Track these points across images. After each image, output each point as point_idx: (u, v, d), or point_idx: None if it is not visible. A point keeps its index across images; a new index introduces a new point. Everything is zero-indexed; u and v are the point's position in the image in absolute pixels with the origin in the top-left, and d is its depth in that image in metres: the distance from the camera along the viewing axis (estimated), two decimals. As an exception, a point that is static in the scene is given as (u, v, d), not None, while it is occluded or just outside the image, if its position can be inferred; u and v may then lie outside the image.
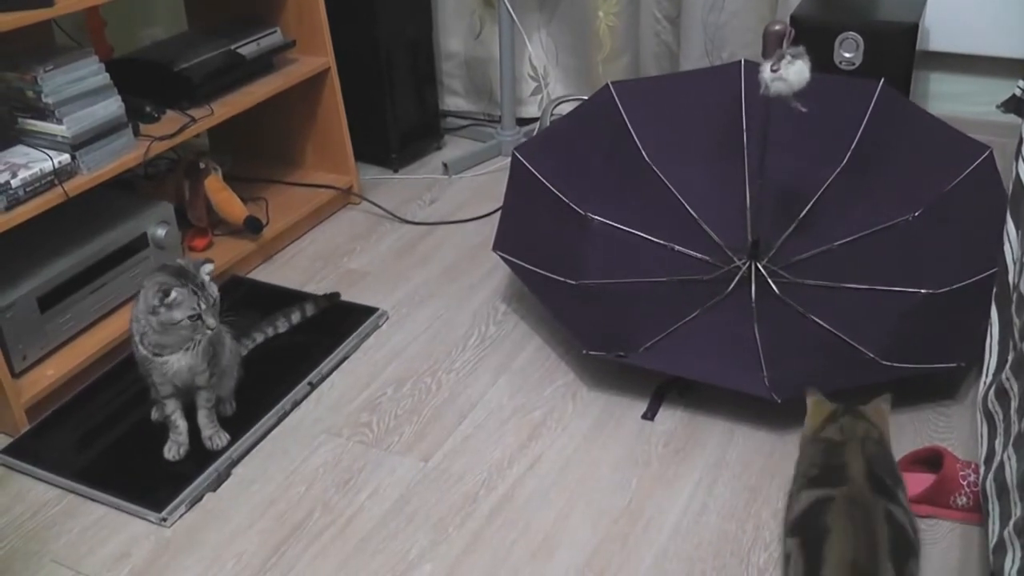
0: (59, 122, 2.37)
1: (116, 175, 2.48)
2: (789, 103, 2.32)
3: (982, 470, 1.72)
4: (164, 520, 2.07)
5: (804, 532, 1.73)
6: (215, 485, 2.16)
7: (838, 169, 2.82)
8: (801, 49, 2.33)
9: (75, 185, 2.38)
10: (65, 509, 2.14)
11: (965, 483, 2.00)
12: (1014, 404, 1.59)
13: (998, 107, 2.76)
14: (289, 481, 2.18)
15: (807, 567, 1.66)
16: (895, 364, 2.30)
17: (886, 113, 2.81)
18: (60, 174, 2.35)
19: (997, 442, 1.68)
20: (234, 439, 2.24)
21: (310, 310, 2.64)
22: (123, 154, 2.51)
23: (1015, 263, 2.01)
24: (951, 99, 3.33)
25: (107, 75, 2.47)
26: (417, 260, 2.96)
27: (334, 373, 2.50)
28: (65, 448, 2.28)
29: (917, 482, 2.05)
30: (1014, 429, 1.53)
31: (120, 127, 2.50)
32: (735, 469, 2.16)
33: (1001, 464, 1.51)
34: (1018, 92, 2.70)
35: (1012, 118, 2.78)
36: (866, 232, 2.72)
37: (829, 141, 2.82)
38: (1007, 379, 1.66)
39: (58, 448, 2.28)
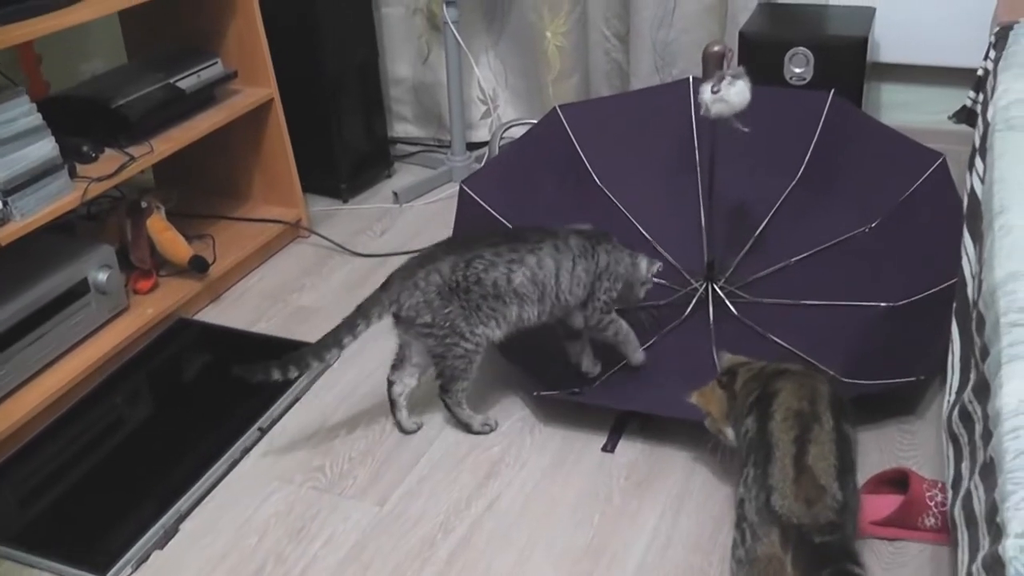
0: (-12, 168, 2.29)
1: (52, 220, 2.41)
2: (731, 124, 2.28)
3: (949, 494, 1.68)
4: (109, 583, 1.99)
5: (758, 405, 1.87)
6: (162, 542, 2.08)
7: (792, 183, 2.79)
8: (741, 69, 2.30)
9: (8, 233, 2.30)
10: (2, 576, 2.06)
11: (932, 504, 1.98)
12: (978, 429, 1.54)
13: (949, 118, 2.74)
14: (240, 533, 2.10)
15: (759, 424, 1.82)
16: (857, 381, 2.26)
17: (838, 124, 2.79)
18: (-9, 223, 2.28)
19: (963, 466, 1.64)
20: (181, 492, 2.17)
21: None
22: (59, 198, 2.43)
23: (973, 278, 1.98)
24: (902, 109, 3.31)
25: (39, 115, 2.40)
26: (369, 294, 2.89)
27: (285, 416, 2.43)
28: (1, 511, 2.20)
29: (884, 504, 2.01)
30: (979, 456, 1.48)
31: (55, 169, 2.43)
32: (698, 499, 2.11)
33: (969, 493, 1.47)
34: (969, 102, 2.68)
35: (963, 126, 2.76)
36: (823, 247, 2.70)
37: (782, 155, 2.79)
38: (970, 401, 1.61)
39: (-6, 511, 2.20)
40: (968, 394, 1.63)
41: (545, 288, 2.25)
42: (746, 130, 2.27)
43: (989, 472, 1.36)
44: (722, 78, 2.24)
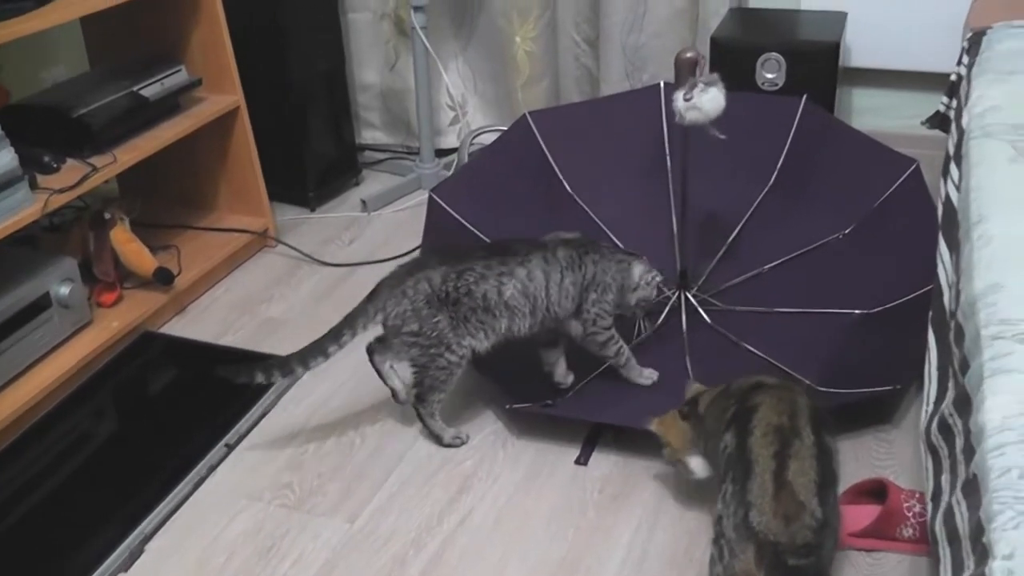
0: (-55, 180, 2.24)
1: (13, 232, 2.35)
2: (707, 132, 2.25)
3: (929, 507, 1.65)
4: (71, 607, 1.95)
5: (737, 420, 1.83)
6: (127, 564, 2.02)
7: (765, 189, 2.77)
8: (715, 76, 2.27)
9: (-35, 247, 2.25)
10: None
11: (911, 514, 1.96)
12: (959, 443, 1.52)
13: (923, 123, 2.72)
14: (208, 553, 2.05)
15: (738, 440, 1.78)
16: (833, 390, 2.24)
17: (810, 130, 2.77)
18: (-52, 237, 2.22)
19: (943, 479, 1.61)
20: (146, 511, 2.12)
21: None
22: (19, 210, 2.38)
23: (950, 287, 1.96)
24: (874, 113, 3.30)
25: (-3, 125, 2.35)
26: (338, 304, 2.81)
27: (252, 432, 2.38)
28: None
29: (862, 514, 2.00)
30: (961, 471, 1.45)
31: (14, 181, 2.37)
32: (674, 512, 2.09)
33: (951, 508, 1.44)
34: (942, 108, 2.66)
35: (936, 132, 2.75)
36: (796, 253, 2.67)
37: (754, 161, 2.77)
38: (950, 415, 1.59)
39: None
40: (948, 407, 1.61)
41: (536, 301, 2.22)
42: (723, 137, 2.25)
43: (972, 489, 1.34)
44: (695, 85, 2.22)
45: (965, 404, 1.50)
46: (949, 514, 1.45)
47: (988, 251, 1.70)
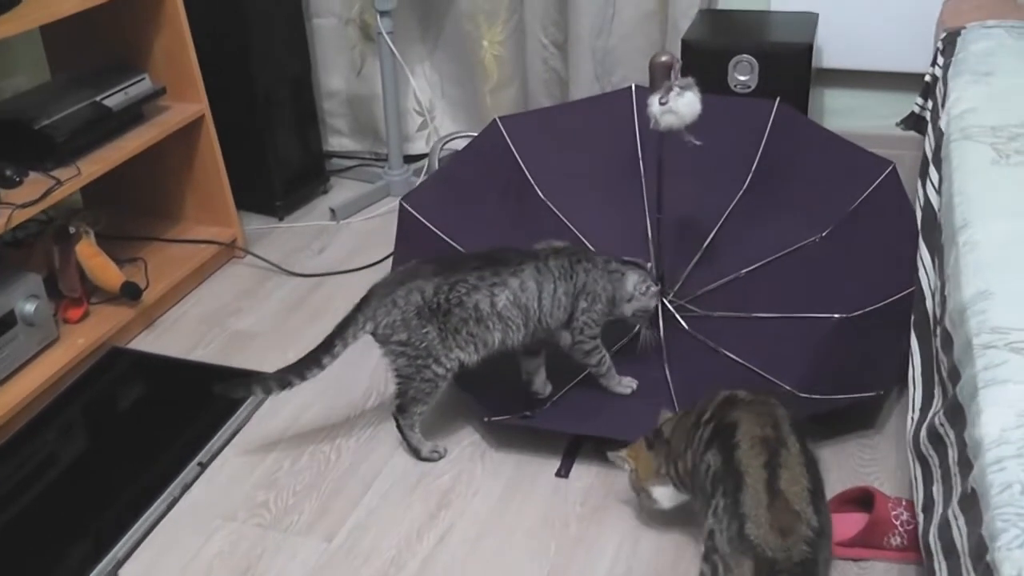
0: (-98, 198, 2.17)
1: (-27, 249, 2.30)
2: (682, 137, 2.23)
3: (921, 518, 1.64)
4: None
5: (718, 437, 1.79)
6: (99, 590, 1.98)
7: (740, 192, 2.75)
8: (690, 80, 2.24)
9: (-74, 266, 2.19)
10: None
11: (898, 523, 1.95)
12: (952, 454, 1.50)
13: (898, 124, 2.72)
14: (182, 576, 2.01)
15: (723, 456, 1.74)
16: (814, 396, 2.22)
17: (784, 132, 2.74)
18: (-93, 256, 2.16)
19: (935, 489, 1.59)
20: (119, 534, 2.06)
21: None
22: (-20, 227, 2.32)
23: (933, 292, 1.94)
24: (848, 114, 3.28)
25: (-45, 140, 2.29)
26: (309, 316, 2.80)
27: (226, 449, 2.32)
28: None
29: (849, 523, 1.98)
30: (956, 483, 1.43)
31: (-25, 197, 2.32)
32: (658, 525, 2.05)
33: (947, 521, 1.42)
34: (916, 109, 2.65)
35: (910, 132, 2.74)
36: (773, 257, 2.65)
37: (728, 164, 2.74)
38: (941, 424, 1.57)
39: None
40: (939, 416, 1.58)
41: (528, 311, 2.19)
42: (698, 143, 2.22)
43: (971, 504, 1.31)
44: (670, 89, 2.19)
45: (958, 415, 1.48)
46: (945, 527, 1.43)
47: (974, 257, 1.69)
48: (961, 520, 1.35)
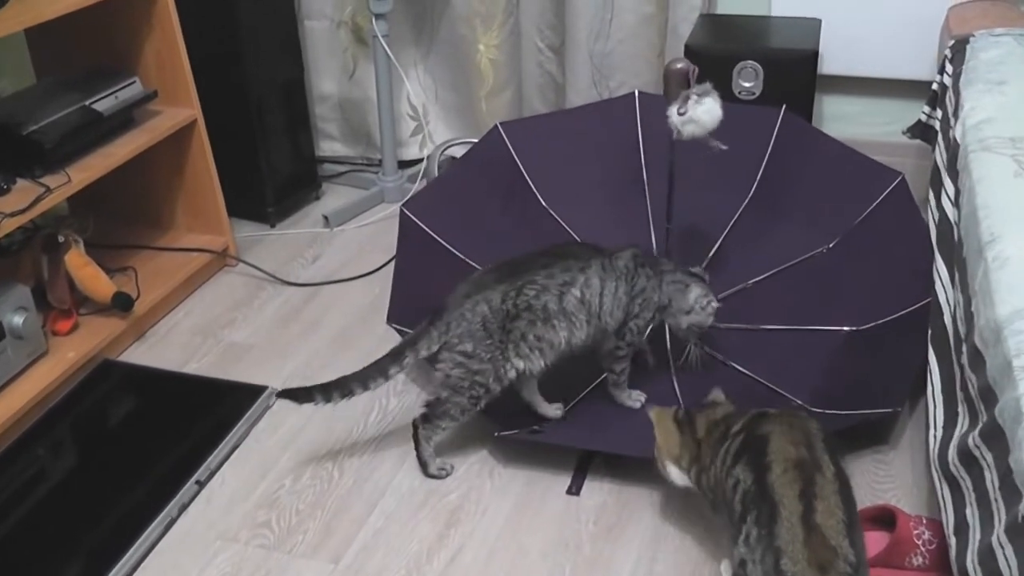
0: None
1: (-40, 260, 2.22)
2: (707, 144, 2.18)
3: (953, 541, 1.59)
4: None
5: (748, 452, 1.75)
6: (97, 617, 1.91)
7: (745, 202, 2.71)
8: (707, 85, 2.20)
9: (-88, 278, 2.11)
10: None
11: (920, 542, 1.90)
12: (991, 478, 1.45)
13: (904, 132, 2.68)
14: (182, 601, 1.94)
15: (755, 476, 1.70)
16: (827, 411, 2.17)
17: (790, 141, 2.71)
18: None
19: (968, 513, 1.55)
20: (114, 558, 1.99)
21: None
22: (-32, 236, 2.24)
23: (953, 308, 1.90)
24: (851, 121, 3.24)
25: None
26: (305, 327, 2.74)
27: (224, 466, 2.26)
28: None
29: (870, 543, 1.92)
30: (999, 509, 1.39)
31: (-38, 205, 2.24)
32: (674, 542, 2.01)
33: (990, 549, 1.37)
34: (923, 117, 2.62)
35: (915, 140, 2.71)
36: (781, 268, 2.61)
37: (734, 174, 2.70)
38: (976, 447, 1.52)
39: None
40: (974, 438, 1.54)
41: (591, 308, 2.15)
42: (724, 147, 2.18)
43: (1020, 533, 1.27)
44: (688, 97, 2.14)
45: (998, 438, 1.44)
46: (988, 554, 1.39)
47: (1006, 273, 1.65)
48: (1009, 549, 1.31)
